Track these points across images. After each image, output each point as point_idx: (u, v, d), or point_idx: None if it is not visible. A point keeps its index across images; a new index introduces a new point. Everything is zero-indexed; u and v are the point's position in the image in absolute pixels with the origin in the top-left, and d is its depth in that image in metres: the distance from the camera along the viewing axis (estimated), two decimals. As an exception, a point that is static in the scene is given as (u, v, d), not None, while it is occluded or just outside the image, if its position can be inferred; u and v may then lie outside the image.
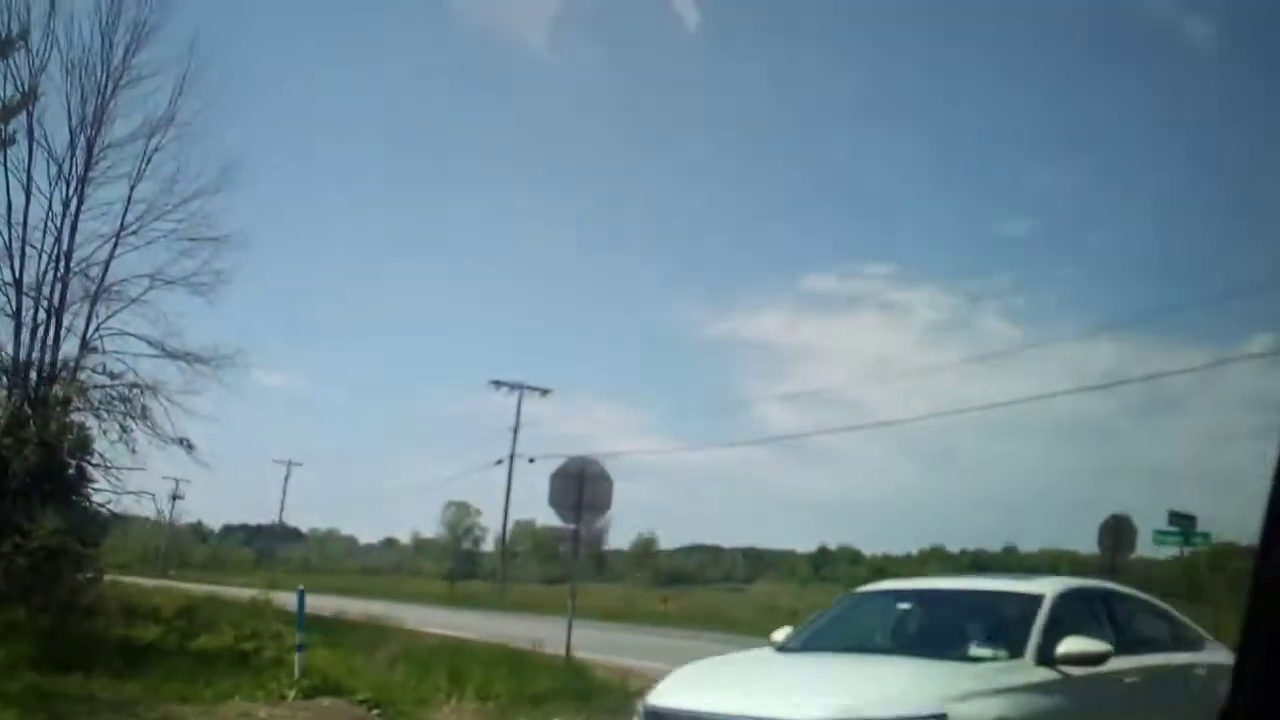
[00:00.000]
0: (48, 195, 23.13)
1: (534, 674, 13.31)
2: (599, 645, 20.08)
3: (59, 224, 22.81)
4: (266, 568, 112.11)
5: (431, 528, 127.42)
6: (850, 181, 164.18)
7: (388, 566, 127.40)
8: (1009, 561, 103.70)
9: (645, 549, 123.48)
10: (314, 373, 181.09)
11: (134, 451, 23.38)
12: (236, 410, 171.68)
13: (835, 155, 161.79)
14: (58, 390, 20.62)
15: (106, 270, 23.51)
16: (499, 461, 53.43)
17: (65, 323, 22.30)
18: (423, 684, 12.86)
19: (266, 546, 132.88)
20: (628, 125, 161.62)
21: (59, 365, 21.80)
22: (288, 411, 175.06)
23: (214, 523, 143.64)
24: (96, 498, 20.49)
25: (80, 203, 23.03)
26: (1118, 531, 20.27)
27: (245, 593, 34.67)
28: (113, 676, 10.80)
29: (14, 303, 21.50)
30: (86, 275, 23.30)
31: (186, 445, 23.72)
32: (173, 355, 24.10)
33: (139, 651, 13.67)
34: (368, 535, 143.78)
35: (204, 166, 26.73)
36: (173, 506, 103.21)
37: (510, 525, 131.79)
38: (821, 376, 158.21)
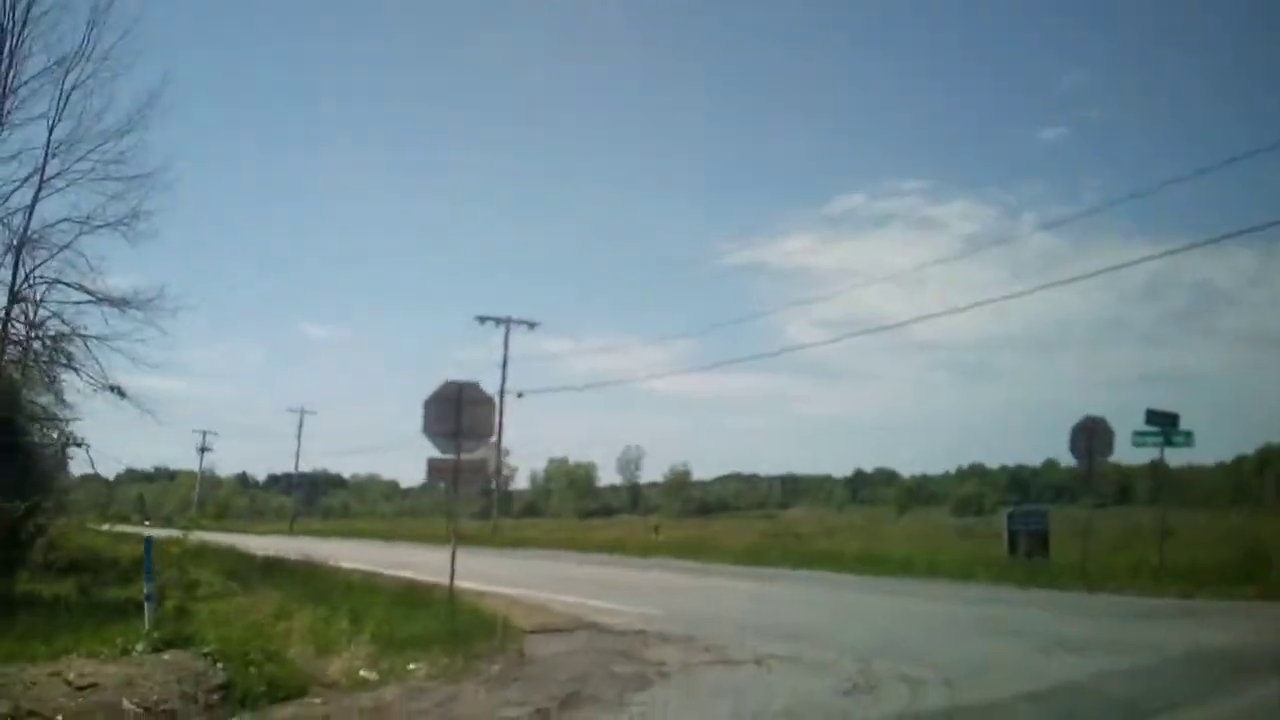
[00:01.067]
0: None
1: (427, 615, 12.26)
2: (530, 580, 19.10)
3: None
4: (305, 515, 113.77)
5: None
6: (876, 96, 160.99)
7: (427, 508, 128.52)
8: (1050, 477, 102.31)
9: (679, 480, 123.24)
10: (353, 325, 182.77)
11: (63, 401, 22.58)
12: (280, 362, 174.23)
13: (859, 69, 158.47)
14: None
15: (30, 217, 22.40)
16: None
17: None
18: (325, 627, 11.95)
19: (309, 494, 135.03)
20: (642, 48, 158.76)
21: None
22: (333, 362, 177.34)
23: (260, 474, 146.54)
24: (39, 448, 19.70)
25: None
26: (1091, 435, 18.49)
27: (242, 539, 34.17)
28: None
29: None
30: (7, 225, 22.24)
31: (118, 392, 22.83)
32: (115, 303, 23.02)
33: (30, 604, 12.79)
34: (410, 479, 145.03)
35: (125, 102, 25.39)
36: (201, 458, 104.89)
37: (545, 463, 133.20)
38: (854, 299, 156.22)
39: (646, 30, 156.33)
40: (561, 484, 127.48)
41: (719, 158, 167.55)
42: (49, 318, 22.75)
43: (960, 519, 74.48)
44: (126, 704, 7.38)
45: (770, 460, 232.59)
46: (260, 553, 23.36)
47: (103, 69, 23.02)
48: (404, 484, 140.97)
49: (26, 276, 22.37)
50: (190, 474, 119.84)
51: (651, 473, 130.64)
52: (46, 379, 21.92)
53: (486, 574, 19.63)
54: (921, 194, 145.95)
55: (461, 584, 16.69)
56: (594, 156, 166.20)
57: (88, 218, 22.90)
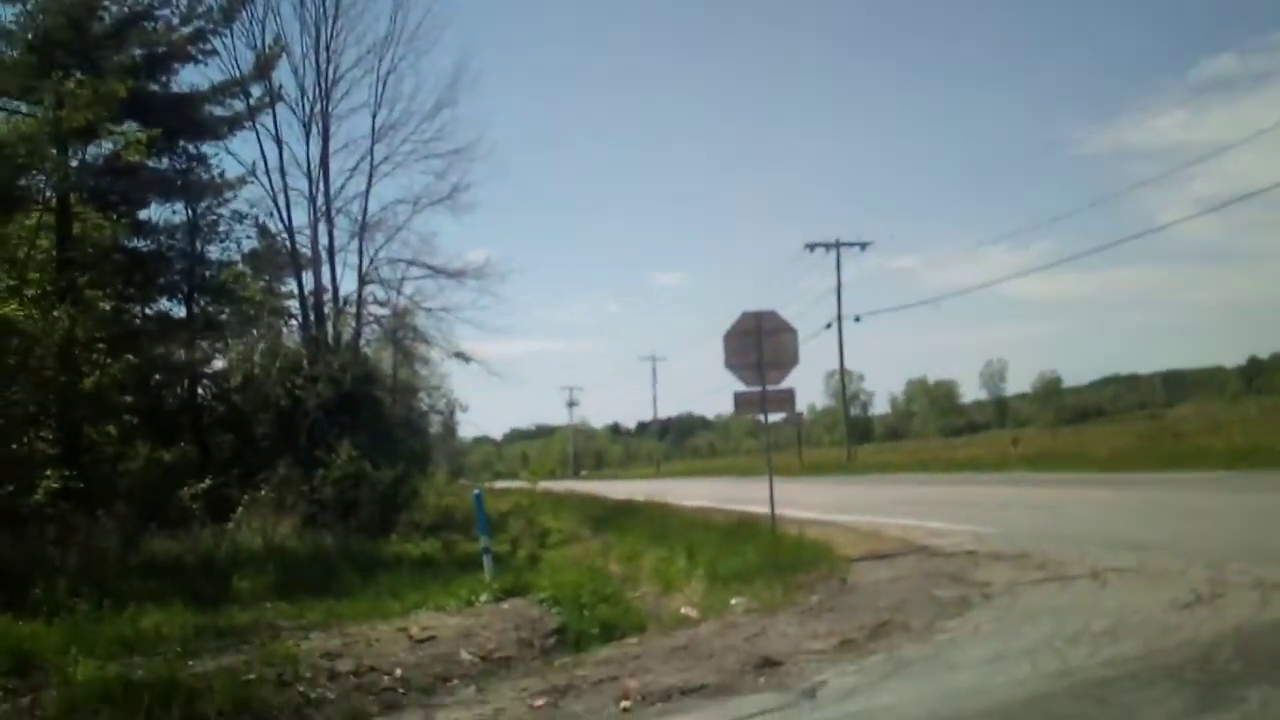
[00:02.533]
0: (303, 142, 24.70)
1: (759, 547, 12.55)
2: (871, 506, 18.67)
3: (313, 168, 24.41)
4: (673, 457, 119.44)
5: (819, 398, 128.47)
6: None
7: (786, 441, 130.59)
8: None
9: (1049, 388, 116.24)
10: (694, 268, 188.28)
11: (415, 371, 25.23)
12: (636, 312, 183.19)
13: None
14: (339, 325, 22.47)
15: (367, 202, 24.86)
16: (828, 326, 51.41)
17: (337, 260, 24.14)
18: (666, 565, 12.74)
19: (677, 436, 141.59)
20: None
21: (340, 301, 23.68)
22: (684, 305, 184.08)
23: (630, 421, 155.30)
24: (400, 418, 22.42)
25: (327, 142, 24.41)
26: None
27: (609, 485, 36.45)
28: (337, 595, 11.48)
29: (290, 248, 23.47)
30: (347, 214, 24.86)
31: (464, 358, 25.12)
32: (452, 274, 25.29)
33: (397, 564, 14.57)
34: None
35: (433, 81, 27.49)
36: (570, 412, 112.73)
37: (903, 384, 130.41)
38: (1235, 171, 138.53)
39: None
40: (923, 404, 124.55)
41: (1057, 46, 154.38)
42: (395, 295, 25.49)
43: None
44: (464, 654, 8.18)
45: (1151, 358, 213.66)
46: (616, 497, 24.84)
47: (411, 51, 25.22)
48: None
49: (371, 259, 25.19)
50: (567, 428, 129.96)
51: (1019, 383, 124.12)
52: (400, 353, 24.66)
53: (827, 502, 19.74)
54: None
55: (801, 514, 16.91)
56: (918, 53, 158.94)
57: (418, 198, 25.36)
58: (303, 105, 24.75)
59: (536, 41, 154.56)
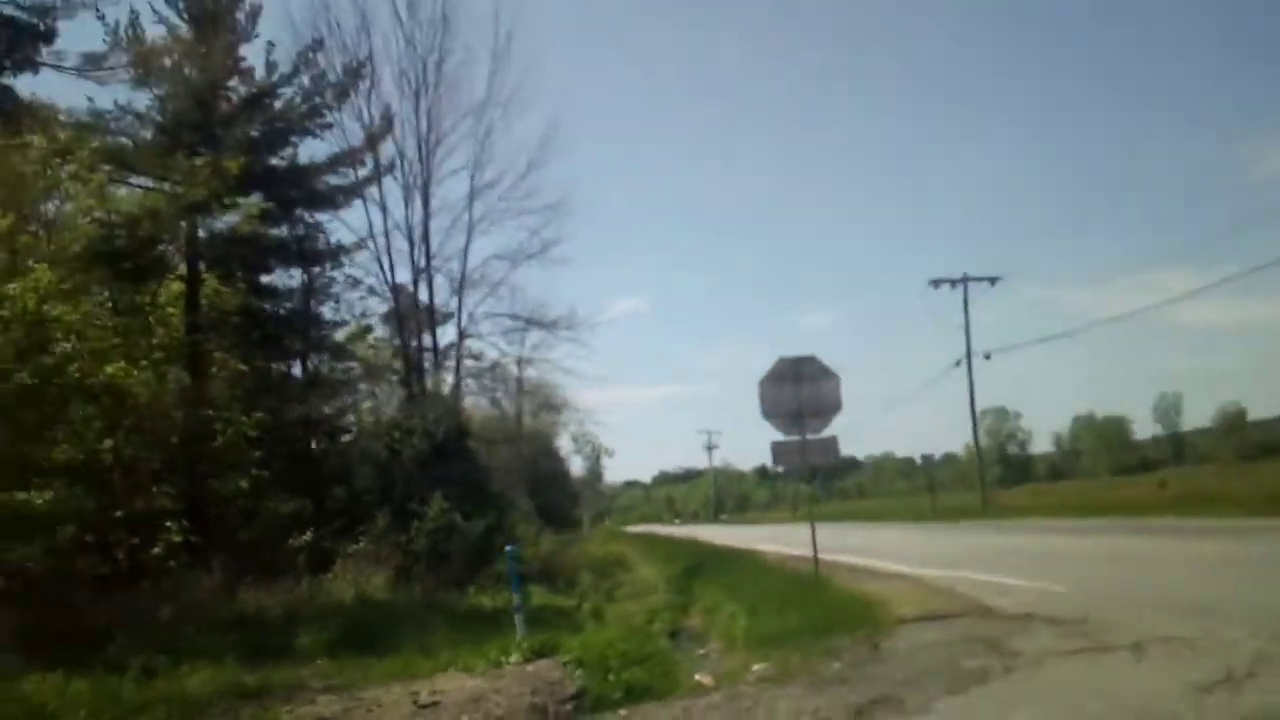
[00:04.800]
0: (404, 205, 25.64)
1: (813, 604, 12.10)
2: (965, 558, 17.62)
3: (414, 230, 25.25)
4: (820, 500, 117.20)
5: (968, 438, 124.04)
6: None
7: (947, 481, 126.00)
8: None
9: (1231, 422, 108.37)
10: (836, 308, 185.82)
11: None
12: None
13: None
14: (437, 379, 23.18)
15: (466, 259, 25.65)
16: (957, 363, 49.56)
17: (437, 316, 24.91)
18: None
19: (826, 478, 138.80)
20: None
21: (439, 355, 24.39)
22: (830, 345, 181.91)
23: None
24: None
25: (427, 205, 25.26)
26: None
27: (730, 530, 35.93)
28: (380, 654, 11.64)
29: (395, 306, 24.37)
30: (445, 272, 25.58)
31: (555, 409, 25.27)
32: (545, 325, 25.78)
33: (466, 616, 14.72)
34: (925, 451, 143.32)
35: (529, 139, 28.39)
36: (710, 456, 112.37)
37: (1069, 420, 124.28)
38: None
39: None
40: (1091, 441, 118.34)
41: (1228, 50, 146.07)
42: (488, 349, 26.10)
43: None
44: (466, 721, 8.08)
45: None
46: (720, 543, 24.47)
47: (508, 112, 25.97)
48: (919, 458, 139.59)
49: (470, 314, 25.94)
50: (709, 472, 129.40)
51: (1197, 417, 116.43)
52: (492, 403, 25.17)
53: (924, 554, 18.90)
54: None
55: (885, 565, 16.30)
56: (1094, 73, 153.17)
57: (515, 253, 25.99)
58: (403, 170, 25.90)
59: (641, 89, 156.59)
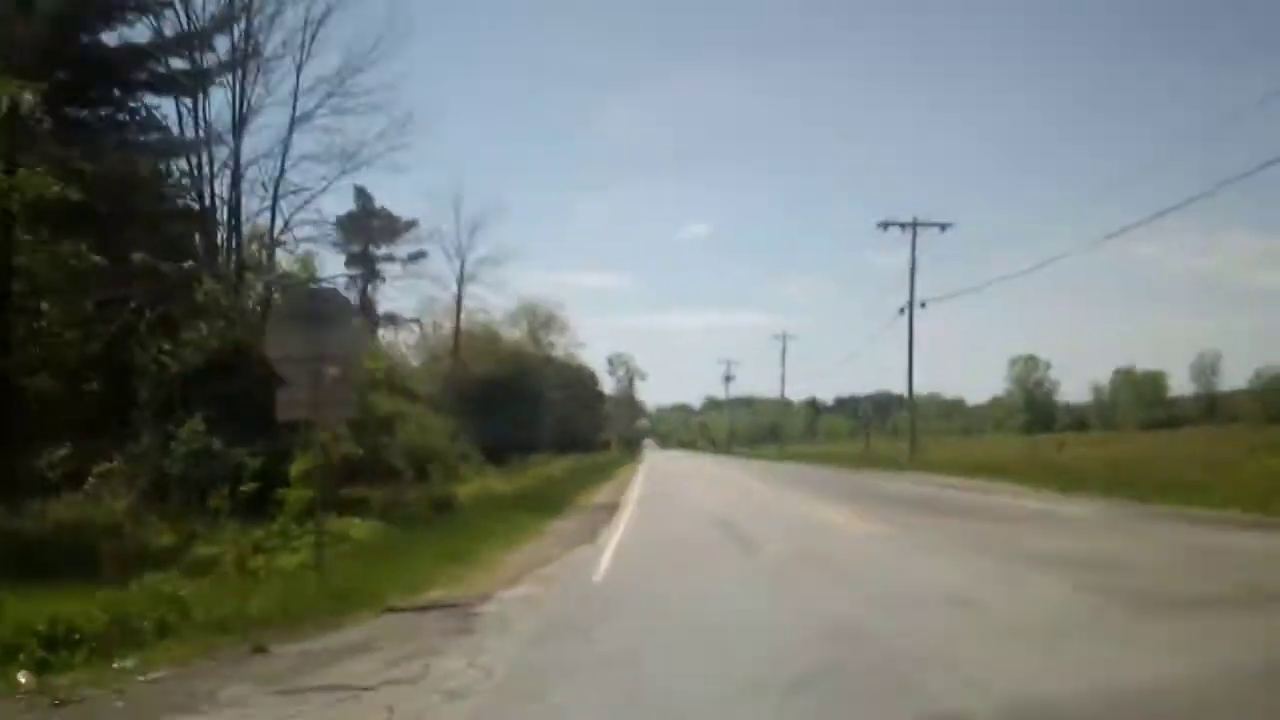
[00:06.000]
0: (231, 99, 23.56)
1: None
2: None
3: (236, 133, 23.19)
4: (863, 435, 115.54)
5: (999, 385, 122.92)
6: None
7: (983, 424, 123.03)
8: None
9: (1269, 385, 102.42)
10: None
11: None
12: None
13: None
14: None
15: (284, 162, 23.46)
16: (901, 310, 47.55)
17: (245, 226, 22.99)
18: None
19: (874, 415, 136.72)
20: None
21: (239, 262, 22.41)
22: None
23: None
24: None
25: (244, 105, 23.15)
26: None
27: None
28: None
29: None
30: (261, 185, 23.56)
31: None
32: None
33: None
34: (976, 396, 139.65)
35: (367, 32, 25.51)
36: (726, 386, 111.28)
37: (1111, 372, 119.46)
38: None
39: None
40: (1127, 395, 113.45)
41: None
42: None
43: None
44: None
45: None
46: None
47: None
48: (971, 401, 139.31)
49: (285, 224, 23.90)
50: (768, 401, 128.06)
51: (1237, 379, 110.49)
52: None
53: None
54: None
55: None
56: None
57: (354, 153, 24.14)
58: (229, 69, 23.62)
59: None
